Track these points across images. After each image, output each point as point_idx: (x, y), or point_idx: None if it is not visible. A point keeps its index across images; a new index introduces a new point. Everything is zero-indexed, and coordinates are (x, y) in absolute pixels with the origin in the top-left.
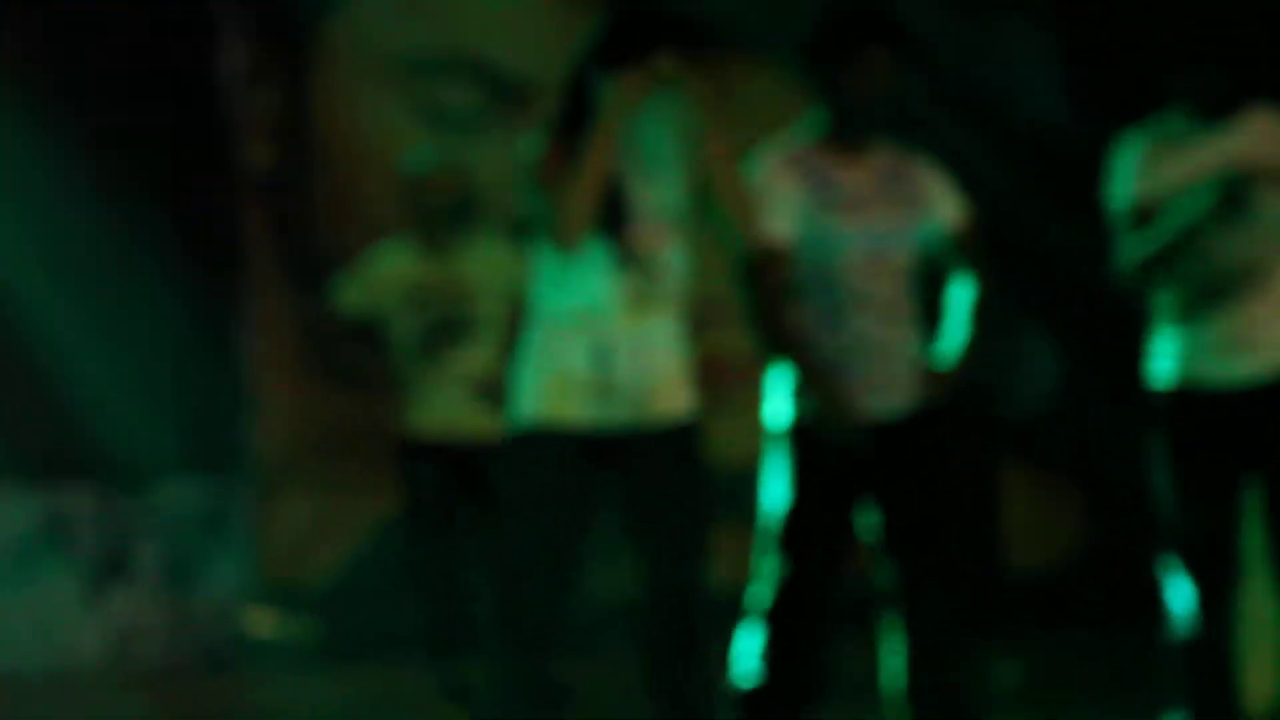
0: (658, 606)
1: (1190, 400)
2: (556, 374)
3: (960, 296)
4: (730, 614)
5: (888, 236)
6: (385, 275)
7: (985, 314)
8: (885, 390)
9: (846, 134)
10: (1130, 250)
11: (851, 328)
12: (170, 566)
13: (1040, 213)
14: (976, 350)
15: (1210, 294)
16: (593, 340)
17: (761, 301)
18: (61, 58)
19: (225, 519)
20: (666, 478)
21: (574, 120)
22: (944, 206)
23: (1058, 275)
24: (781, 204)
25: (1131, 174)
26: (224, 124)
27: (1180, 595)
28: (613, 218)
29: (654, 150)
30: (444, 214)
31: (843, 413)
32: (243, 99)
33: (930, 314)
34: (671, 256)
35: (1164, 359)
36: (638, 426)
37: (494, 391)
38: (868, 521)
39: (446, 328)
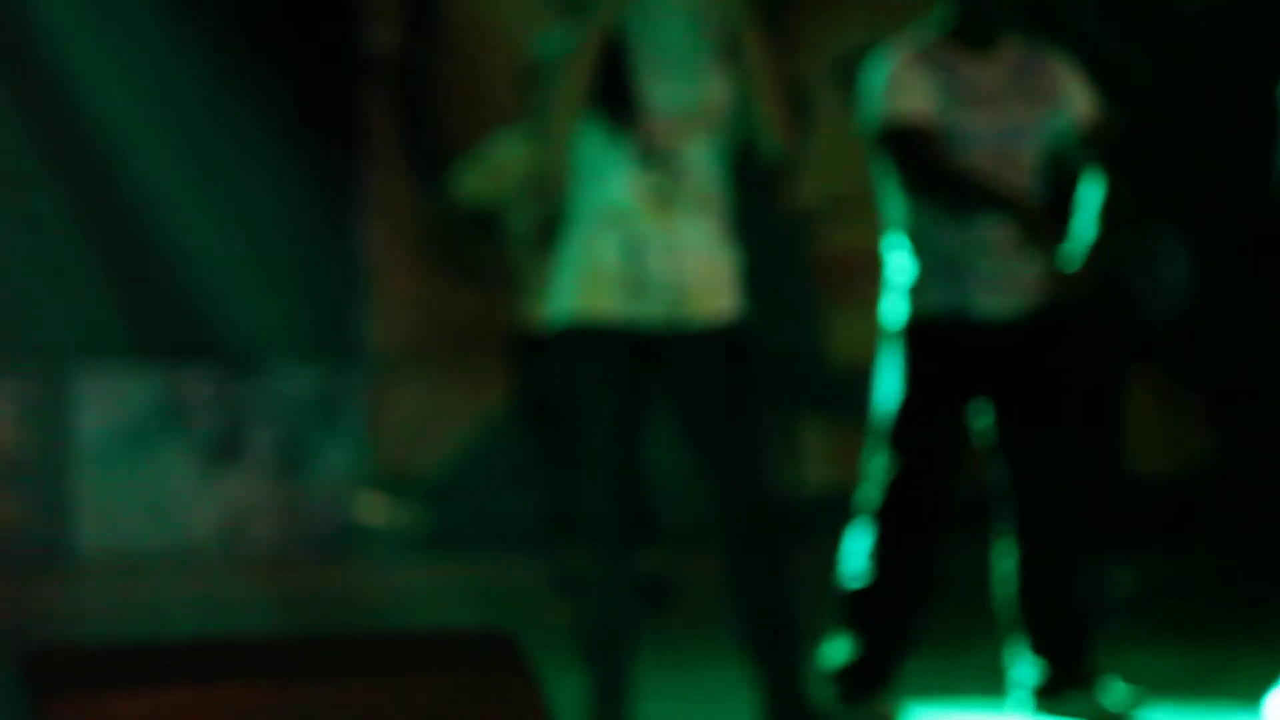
0: (724, 510)
1: None
2: (590, 269)
3: (1090, 195)
4: (841, 513)
5: (1017, 132)
6: (505, 163)
7: (1115, 213)
8: (1008, 289)
9: (976, 30)
10: None
11: (975, 224)
12: (284, 451)
13: (1189, 112)
14: (1105, 250)
15: None
16: (624, 236)
17: (928, 164)
18: None
19: (339, 405)
20: (709, 379)
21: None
22: (1075, 102)
23: (1203, 179)
24: (918, 88)
25: None
26: (351, 4)
27: None
28: (621, 113)
29: (669, 45)
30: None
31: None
32: None
33: (1063, 211)
34: (698, 154)
35: None
36: (675, 325)
37: None
38: (983, 421)
39: (561, 219)
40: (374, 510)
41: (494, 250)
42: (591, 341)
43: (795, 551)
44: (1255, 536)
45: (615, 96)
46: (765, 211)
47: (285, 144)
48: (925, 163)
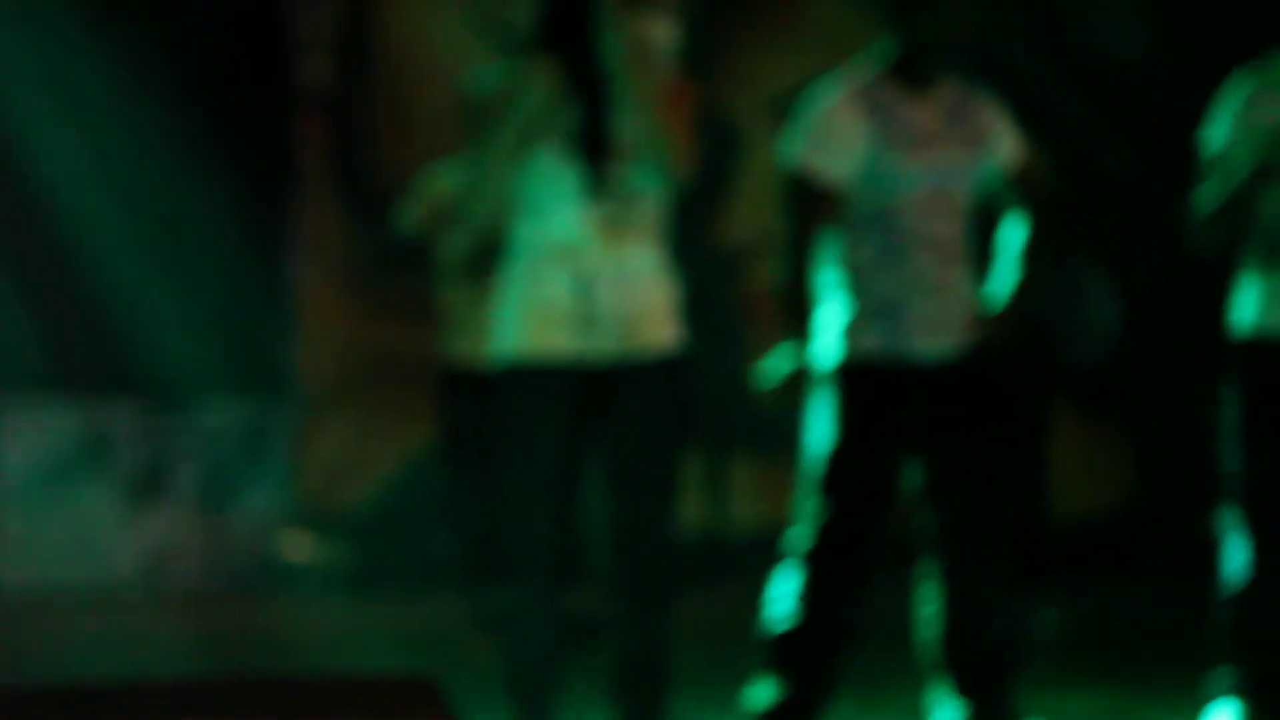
0: (627, 543)
1: (1264, 349)
2: (538, 305)
3: (1016, 237)
4: (768, 552)
5: (950, 175)
6: (437, 197)
7: (1041, 255)
8: (942, 330)
9: (915, 69)
10: (1196, 206)
11: (910, 266)
12: (208, 487)
13: (1110, 146)
14: (1030, 292)
15: None
16: (573, 271)
17: (797, 234)
18: None
19: (264, 441)
20: (650, 411)
21: (560, 30)
22: (1005, 145)
23: (1127, 213)
24: (841, 142)
25: (1227, 120)
26: (283, 35)
27: (1236, 549)
28: (594, 147)
29: (620, 75)
30: None
31: None
32: (303, 12)
33: (988, 254)
34: (647, 184)
35: (1242, 308)
36: (623, 358)
37: None
38: (912, 465)
39: (493, 252)
40: (298, 547)
41: (423, 284)
42: (540, 379)
43: (721, 589)
44: (1179, 577)
45: (589, 130)
46: (695, 246)
47: (215, 175)
48: (796, 239)
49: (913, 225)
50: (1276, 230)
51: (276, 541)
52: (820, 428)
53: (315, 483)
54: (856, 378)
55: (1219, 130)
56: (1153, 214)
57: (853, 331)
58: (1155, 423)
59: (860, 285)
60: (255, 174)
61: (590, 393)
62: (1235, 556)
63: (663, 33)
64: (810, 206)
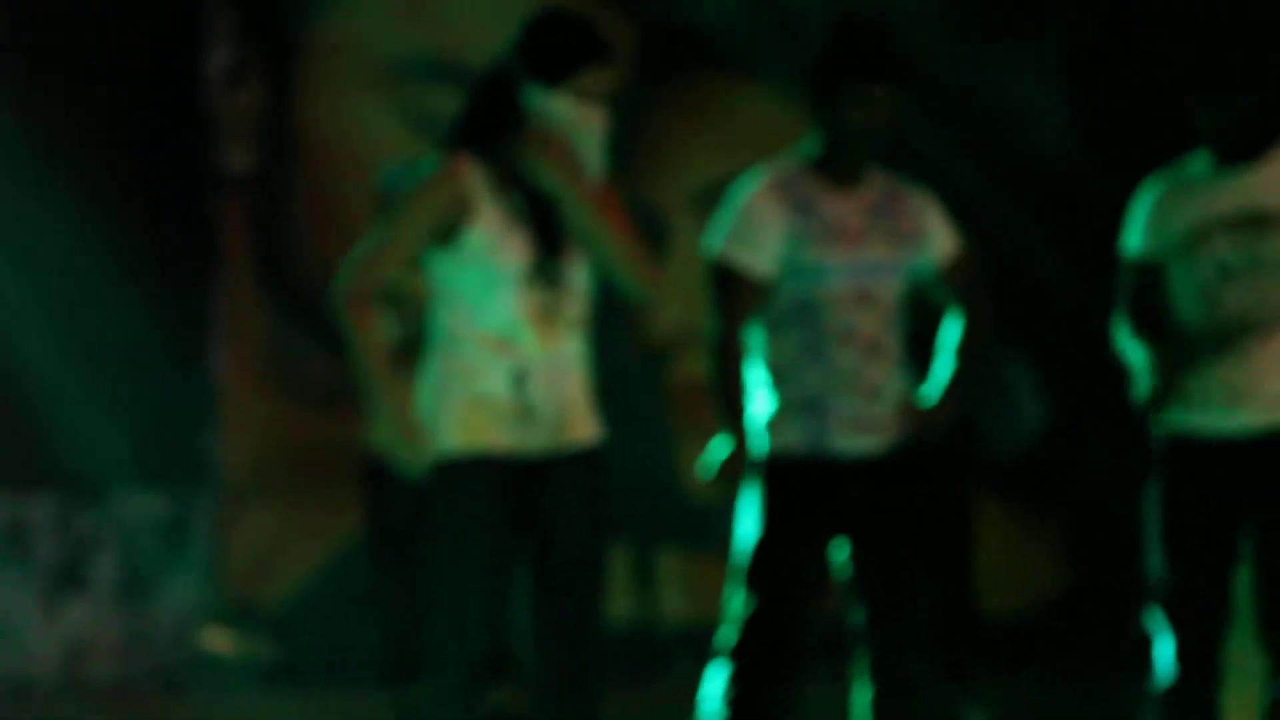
0: (554, 638)
1: (1188, 448)
2: (478, 398)
3: (951, 333)
4: (698, 646)
5: (874, 270)
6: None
7: (976, 352)
8: (866, 428)
9: (840, 163)
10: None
11: (833, 361)
12: (128, 580)
13: (1036, 244)
14: (965, 389)
15: (1213, 342)
16: (510, 364)
17: (723, 326)
18: (35, 49)
19: (185, 533)
20: (578, 504)
21: (489, 123)
22: (937, 241)
23: (1052, 310)
24: (761, 235)
25: (1141, 224)
26: (204, 124)
27: (1164, 645)
28: (552, 242)
29: (543, 176)
30: None
31: None
32: (224, 98)
33: (925, 350)
34: (579, 276)
35: (1163, 406)
36: (554, 452)
37: None
38: (840, 559)
39: (414, 343)
40: (219, 640)
41: (345, 373)
42: (478, 473)
43: (651, 685)
44: (1111, 673)
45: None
46: (622, 337)
47: (133, 265)
48: (721, 331)
49: (835, 320)
50: (1210, 326)
51: (197, 634)
52: (747, 523)
53: (236, 575)
54: (781, 473)
55: (1133, 235)
56: (1080, 311)
57: (777, 427)
58: (1088, 518)
59: (784, 380)
60: (175, 261)
61: (521, 487)
62: (1163, 654)
63: (592, 131)
64: (734, 298)
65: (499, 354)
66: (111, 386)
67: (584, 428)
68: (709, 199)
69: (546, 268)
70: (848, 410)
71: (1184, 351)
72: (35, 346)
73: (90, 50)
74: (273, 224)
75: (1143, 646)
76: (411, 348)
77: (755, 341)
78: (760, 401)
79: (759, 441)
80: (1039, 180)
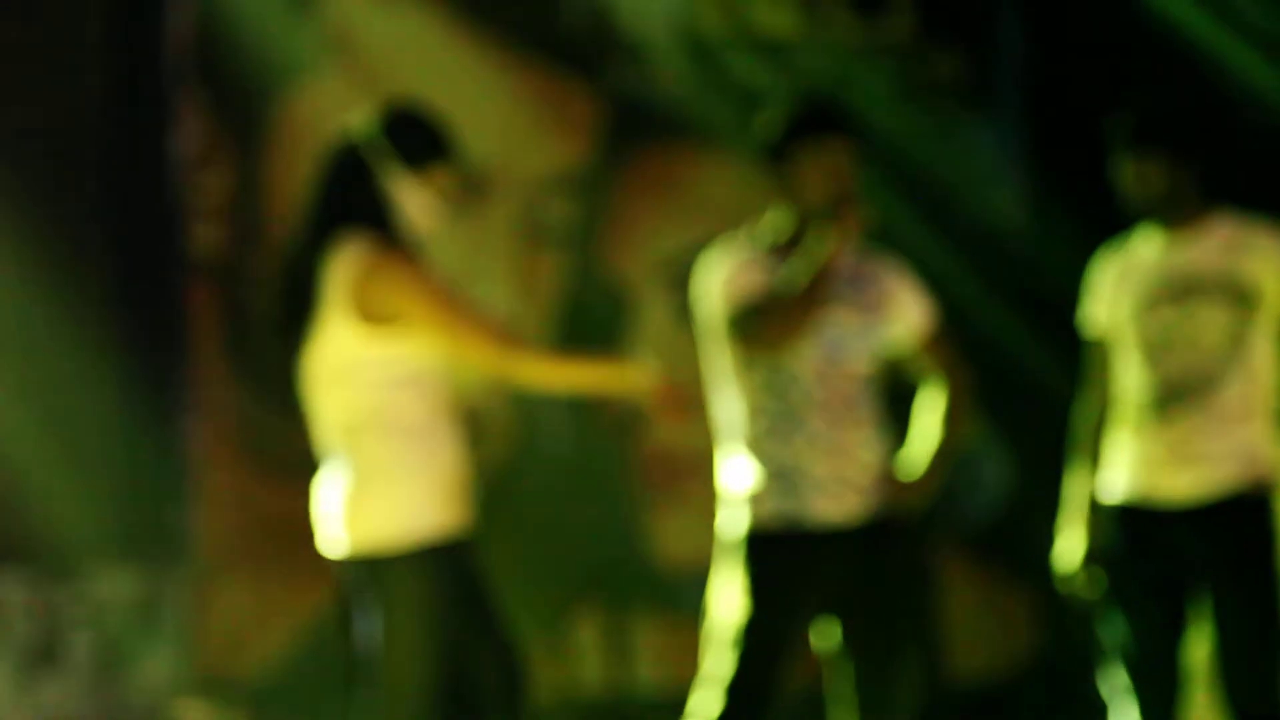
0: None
1: (1136, 514)
2: (446, 479)
3: (929, 405)
4: (671, 713)
5: (842, 342)
6: None
7: (957, 424)
8: (842, 495)
9: (804, 235)
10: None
11: (805, 431)
12: (102, 657)
13: (995, 313)
14: (946, 461)
15: (1156, 406)
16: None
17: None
18: (1, 129)
19: (160, 609)
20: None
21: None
22: (908, 312)
23: (1012, 376)
24: (754, 284)
25: (1097, 300)
26: (173, 203)
27: (1123, 710)
28: None
29: None
30: None
31: None
32: (193, 178)
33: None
34: None
35: (1112, 470)
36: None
37: None
38: (822, 628)
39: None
40: (195, 715)
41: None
42: (456, 557)
43: None
44: None
45: None
46: (588, 407)
47: (105, 343)
48: (777, 316)
49: (806, 391)
50: (1153, 390)
51: (172, 711)
52: (726, 594)
53: (211, 649)
54: (759, 546)
55: (1090, 311)
56: (1039, 376)
57: (754, 500)
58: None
59: (759, 452)
60: (146, 340)
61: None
62: (1123, 718)
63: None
64: (768, 311)
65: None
66: (84, 463)
67: None
68: (674, 269)
69: None
70: (820, 475)
71: (1128, 415)
72: (6, 424)
73: (57, 132)
74: (242, 303)
75: (1104, 711)
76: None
77: (729, 414)
78: (737, 475)
79: (736, 514)
80: (995, 250)
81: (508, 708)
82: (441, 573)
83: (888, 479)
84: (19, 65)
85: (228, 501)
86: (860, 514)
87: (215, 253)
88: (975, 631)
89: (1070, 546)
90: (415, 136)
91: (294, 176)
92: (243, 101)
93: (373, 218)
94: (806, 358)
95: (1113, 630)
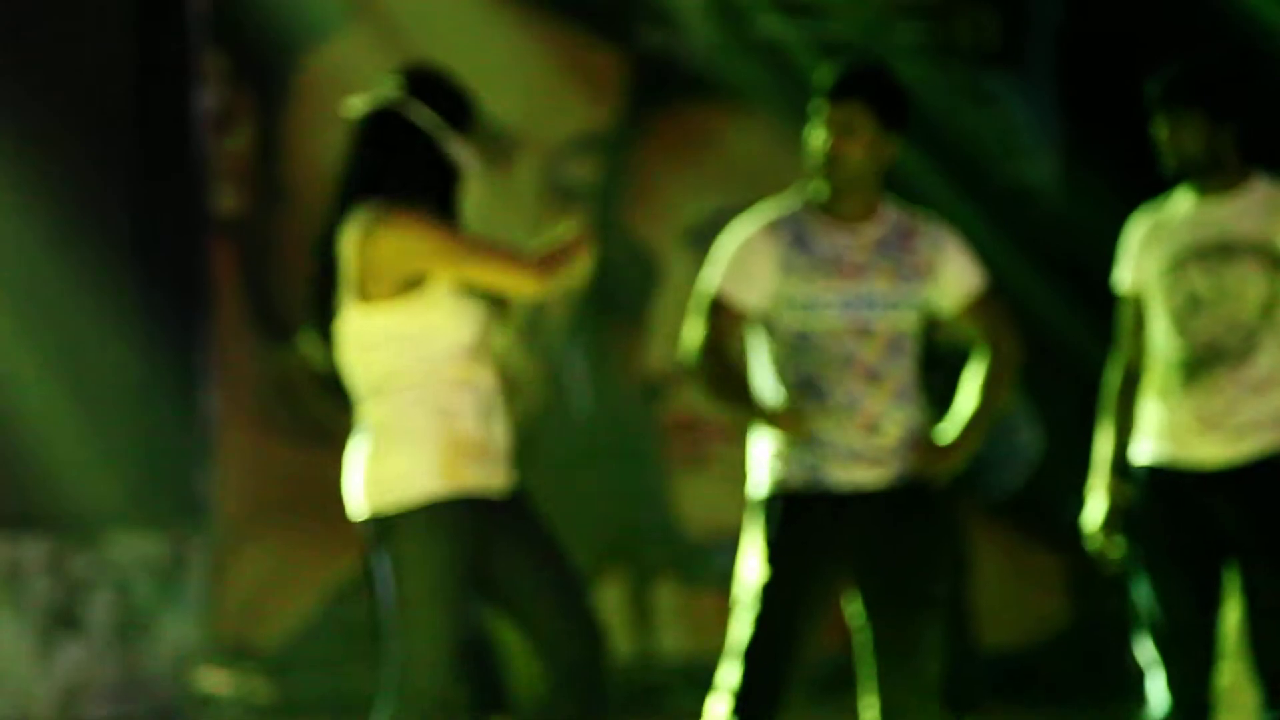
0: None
1: (1166, 479)
2: (450, 439)
3: (974, 369)
4: (697, 683)
5: (871, 303)
6: None
7: (1000, 390)
8: (865, 461)
9: (840, 203)
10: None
11: (830, 394)
12: (123, 621)
13: (1024, 273)
14: (983, 427)
15: (1187, 372)
16: (476, 398)
17: (707, 344)
18: (26, 92)
19: (180, 573)
20: (533, 540)
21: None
22: (955, 277)
23: (1042, 339)
24: (752, 270)
25: (1127, 258)
26: (193, 163)
27: (1155, 677)
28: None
29: None
30: None
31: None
32: (214, 138)
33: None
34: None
35: (1141, 434)
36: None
37: None
38: (846, 590)
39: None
40: (216, 681)
41: (343, 413)
42: (468, 517)
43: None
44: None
45: None
46: (615, 373)
47: (126, 305)
48: (703, 345)
49: (831, 353)
50: (1184, 356)
51: (194, 676)
52: (749, 557)
53: (232, 615)
54: (780, 506)
55: (1122, 270)
56: (1070, 338)
57: (775, 461)
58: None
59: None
60: (167, 302)
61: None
62: (1154, 686)
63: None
64: (719, 325)
65: (467, 388)
66: (105, 426)
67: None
68: (701, 236)
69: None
70: (843, 443)
71: (1159, 380)
72: (27, 388)
73: (80, 95)
74: (264, 264)
75: (1137, 678)
76: None
77: (756, 376)
78: (761, 439)
79: (761, 476)
80: (1027, 209)
81: (582, 674)
82: (446, 532)
83: (919, 443)
84: (42, 29)
85: (248, 466)
86: (884, 479)
87: (236, 213)
88: (1006, 599)
89: (1096, 511)
90: (443, 100)
91: (315, 136)
92: (264, 62)
93: (412, 183)
94: (831, 322)
95: (1142, 597)
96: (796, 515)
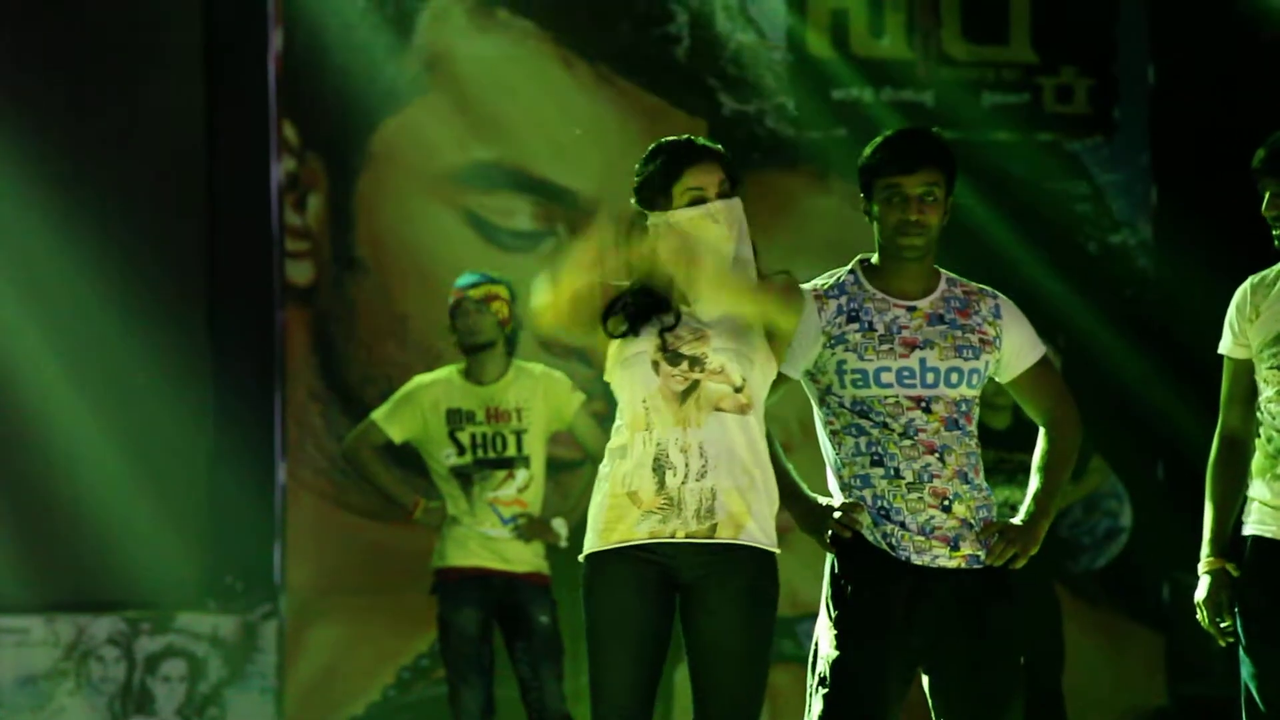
0: None
1: (1271, 553)
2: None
3: (1039, 446)
4: None
5: (928, 378)
6: (427, 403)
7: (1064, 464)
8: (939, 539)
9: (891, 268)
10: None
11: (897, 469)
12: (194, 701)
13: (1114, 343)
14: (1053, 504)
15: None
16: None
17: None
18: (103, 164)
19: (251, 652)
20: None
21: None
22: (1014, 350)
23: (1134, 410)
24: (799, 341)
25: (1232, 324)
26: (268, 235)
27: None
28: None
29: None
30: (489, 344)
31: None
32: (287, 210)
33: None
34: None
35: (1250, 509)
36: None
37: (532, 525)
38: (924, 668)
39: (487, 460)
40: None
41: (412, 480)
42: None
43: None
44: None
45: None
46: None
47: (197, 379)
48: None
49: (892, 426)
50: (1273, 435)
51: None
52: (822, 631)
53: (303, 694)
54: (855, 567)
55: (1226, 334)
56: (1165, 411)
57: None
58: (1185, 625)
59: (852, 486)
60: (239, 375)
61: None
62: None
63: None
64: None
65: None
66: (176, 505)
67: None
68: None
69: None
70: (916, 520)
71: (1263, 457)
72: (99, 463)
73: (154, 167)
74: (335, 334)
75: None
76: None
77: (823, 448)
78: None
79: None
80: (1118, 276)
81: None
82: None
83: (997, 529)
84: (123, 100)
85: (319, 542)
86: (963, 561)
87: (308, 283)
88: (1100, 680)
89: (1203, 588)
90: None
91: (386, 205)
92: (335, 132)
93: None
94: (890, 394)
95: (1247, 676)
96: (871, 575)
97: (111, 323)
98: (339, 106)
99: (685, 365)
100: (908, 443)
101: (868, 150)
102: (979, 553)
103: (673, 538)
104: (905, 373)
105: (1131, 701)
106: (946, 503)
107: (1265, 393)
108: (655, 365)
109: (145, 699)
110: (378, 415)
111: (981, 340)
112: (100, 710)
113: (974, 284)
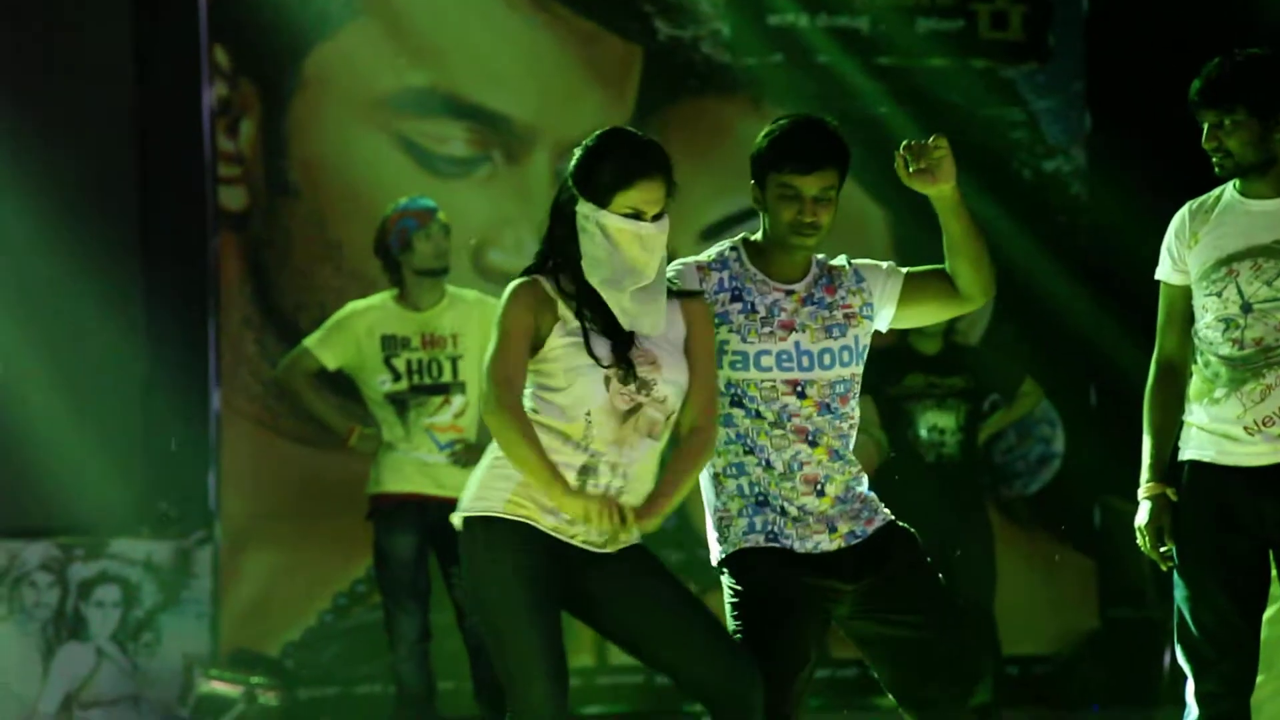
0: None
1: (1208, 478)
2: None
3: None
4: None
5: (803, 360)
6: (361, 329)
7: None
8: (817, 525)
9: (774, 255)
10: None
11: (771, 453)
12: (127, 626)
13: (1048, 270)
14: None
15: (1234, 372)
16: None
17: None
18: (26, 90)
19: (186, 578)
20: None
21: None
22: (882, 292)
23: (1066, 336)
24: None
25: (1171, 251)
26: (200, 160)
27: (1191, 683)
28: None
29: None
30: (448, 269)
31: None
32: (219, 136)
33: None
34: None
35: (1187, 434)
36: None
37: (469, 451)
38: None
39: (423, 386)
40: (222, 686)
41: (346, 408)
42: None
43: None
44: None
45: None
46: None
47: (129, 306)
48: None
49: (766, 410)
50: (1229, 357)
51: (199, 681)
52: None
53: (238, 617)
54: (744, 561)
55: (1163, 261)
56: (1099, 338)
57: (734, 521)
58: (1117, 550)
59: (730, 473)
60: (172, 303)
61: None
62: (1191, 692)
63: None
64: None
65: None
66: (109, 432)
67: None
68: (717, 233)
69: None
70: (793, 505)
71: (1203, 379)
72: (31, 391)
73: (81, 92)
74: (268, 260)
75: (1168, 685)
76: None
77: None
78: (714, 496)
79: (719, 537)
80: (1051, 203)
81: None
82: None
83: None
84: (42, 26)
85: (253, 468)
86: (835, 544)
87: (241, 210)
88: (1034, 605)
89: (1144, 512)
90: (595, 171)
91: (319, 131)
92: (267, 57)
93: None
94: (766, 377)
95: (1182, 600)
96: (761, 565)
97: (43, 250)
98: (271, 31)
99: (634, 387)
100: (779, 432)
101: (762, 139)
102: (855, 528)
103: (571, 540)
104: (784, 356)
105: (1063, 625)
106: (819, 487)
107: (1203, 318)
108: (606, 380)
109: (79, 625)
110: (310, 341)
111: (846, 315)
112: (33, 636)
113: (825, 261)
